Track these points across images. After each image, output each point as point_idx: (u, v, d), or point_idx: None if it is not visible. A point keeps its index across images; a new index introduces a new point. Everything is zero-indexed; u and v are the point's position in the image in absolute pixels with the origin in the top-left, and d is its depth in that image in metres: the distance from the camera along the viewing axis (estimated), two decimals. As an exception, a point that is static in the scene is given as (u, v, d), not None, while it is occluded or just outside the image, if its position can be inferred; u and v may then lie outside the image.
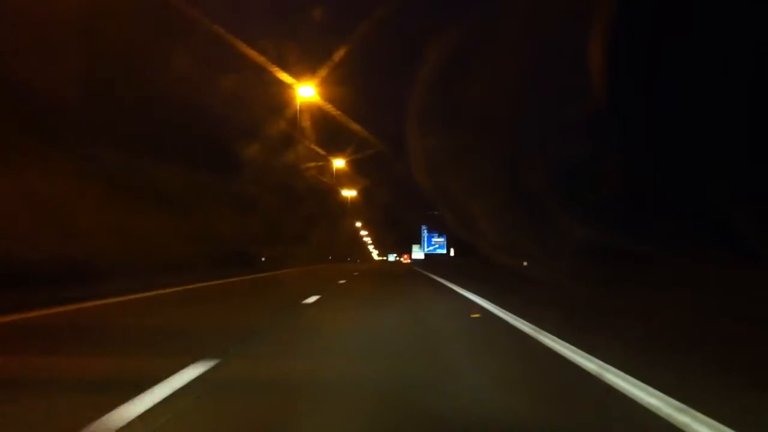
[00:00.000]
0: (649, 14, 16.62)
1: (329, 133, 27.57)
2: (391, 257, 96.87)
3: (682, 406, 3.04)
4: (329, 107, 21.16)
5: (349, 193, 52.19)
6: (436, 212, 77.91)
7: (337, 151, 36.02)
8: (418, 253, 78.52)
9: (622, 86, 17.01)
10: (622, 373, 3.68)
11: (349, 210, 55.33)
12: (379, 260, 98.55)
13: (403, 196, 53.39)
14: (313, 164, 32.62)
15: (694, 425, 2.82)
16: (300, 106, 21.62)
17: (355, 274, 23.10)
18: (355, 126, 23.27)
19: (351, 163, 38.49)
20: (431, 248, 70.37)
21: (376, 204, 60.56)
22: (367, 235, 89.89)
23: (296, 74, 20.46)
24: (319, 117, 23.34)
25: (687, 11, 15.72)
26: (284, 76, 18.80)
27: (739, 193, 15.11)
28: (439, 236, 67.13)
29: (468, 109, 25.96)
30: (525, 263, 22.04)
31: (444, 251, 64.33)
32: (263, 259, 28.27)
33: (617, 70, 16.42)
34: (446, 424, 2.85)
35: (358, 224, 77.17)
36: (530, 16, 19.28)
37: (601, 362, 3.96)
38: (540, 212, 21.64)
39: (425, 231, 68.04)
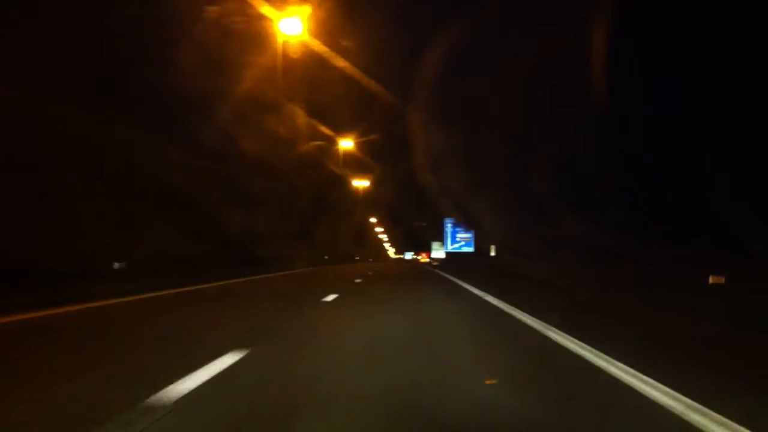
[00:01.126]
0: (650, 15, 16.62)
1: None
2: (408, 255, 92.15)
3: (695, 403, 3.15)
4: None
5: (360, 183, 43.32)
6: (424, 223, 69.88)
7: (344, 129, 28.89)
8: (438, 252, 69.62)
9: (624, 87, 17.04)
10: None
11: (360, 202, 47.71)
12: (395, 258, 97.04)
13: (412, 195, 47.55)
14: (314, 143, 26.09)
15: (694, 415, 2.96)
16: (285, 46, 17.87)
17: (327, 300, 9.42)
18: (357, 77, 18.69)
19: (360, 145, 31.26)
20: (456, 246, 60.02)
21: (387, 200, 53.06)
22: (383, 232, 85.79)
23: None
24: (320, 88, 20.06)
25: (687, 12, 15.71)
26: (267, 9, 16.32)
27: (738, 193, 15.07)
28: (465, 232, 56.69)
29: (471, 109, 26.08)
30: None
31: (471, 249, 54.97)
32: (116, 265, 15.51)
33: (618, 71, 16.47)
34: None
35: (373, 220, 69.81)
36: (534, 14, 19.35)
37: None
38: (543, 212, 21.71)
39: (449, 225, 57.70)
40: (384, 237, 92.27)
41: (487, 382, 4.24)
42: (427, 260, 69.71)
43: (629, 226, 17.70)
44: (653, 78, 16.70)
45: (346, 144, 30.53)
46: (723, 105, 15.58)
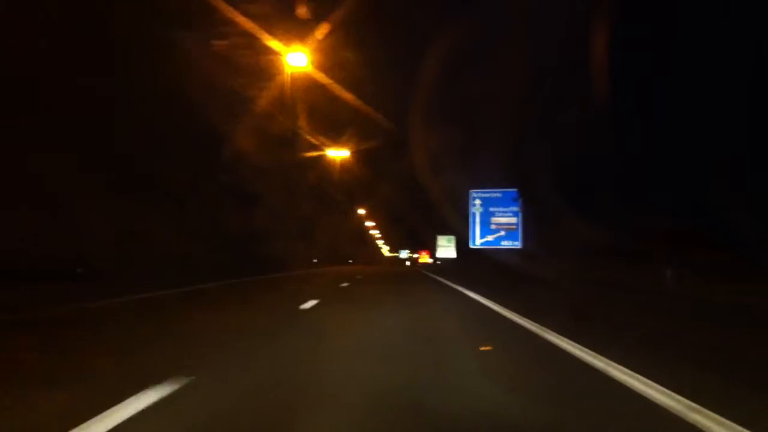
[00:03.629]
0: (650, 15, 16.61)
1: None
2: (403, 254, 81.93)
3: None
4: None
5: (337, 153, 28.93)
6: (431, 260, 57.78)
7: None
8: (446, 249, 49.38)
9: (624, 86, 17.04)
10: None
11: (338, 182, 34.24)
12: (390, 257, 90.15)
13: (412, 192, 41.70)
14: None
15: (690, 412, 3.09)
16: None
17: None
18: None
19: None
20: (488, 238, 32.30)
21: (386, 193, 44.85)
22: (374, 227, 73.76)
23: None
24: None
25: (688, 12, 15.70)
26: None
27: (738, 195, 15.09)
28: (510, 213, 31.48)
29: (472, 108, 26.05)
30: None
31: (516, 245, 31.17)
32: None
33: (619, 71, 16.46)
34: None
35: (362, 211, 57.83)
36: (534, 15, 19.33)
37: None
38: (544, 212, 21.71)
39: (476, 201, 31.89)
40: (376, 233, 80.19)
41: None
42: (429, 261, 58.69)
43: (629, 226, 17.74)
44: (654, 79, 16.67)
45: (297, 60, 16.29)
46: (723, 106, 15.60)
